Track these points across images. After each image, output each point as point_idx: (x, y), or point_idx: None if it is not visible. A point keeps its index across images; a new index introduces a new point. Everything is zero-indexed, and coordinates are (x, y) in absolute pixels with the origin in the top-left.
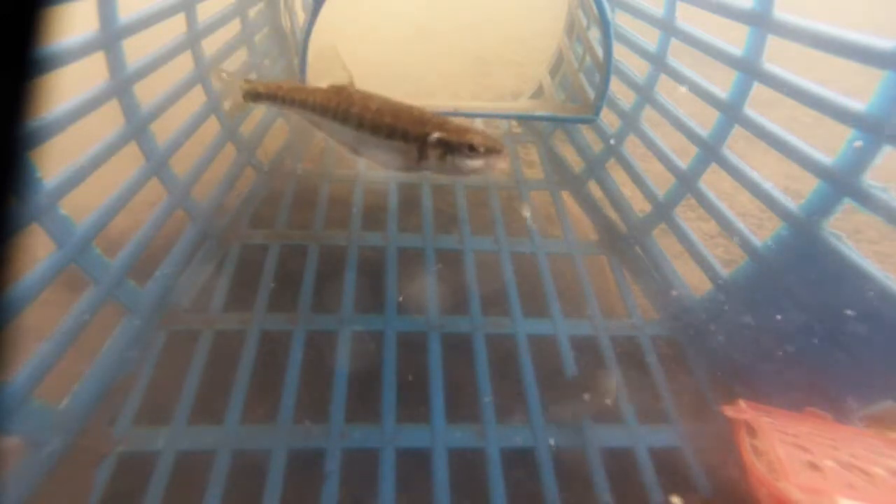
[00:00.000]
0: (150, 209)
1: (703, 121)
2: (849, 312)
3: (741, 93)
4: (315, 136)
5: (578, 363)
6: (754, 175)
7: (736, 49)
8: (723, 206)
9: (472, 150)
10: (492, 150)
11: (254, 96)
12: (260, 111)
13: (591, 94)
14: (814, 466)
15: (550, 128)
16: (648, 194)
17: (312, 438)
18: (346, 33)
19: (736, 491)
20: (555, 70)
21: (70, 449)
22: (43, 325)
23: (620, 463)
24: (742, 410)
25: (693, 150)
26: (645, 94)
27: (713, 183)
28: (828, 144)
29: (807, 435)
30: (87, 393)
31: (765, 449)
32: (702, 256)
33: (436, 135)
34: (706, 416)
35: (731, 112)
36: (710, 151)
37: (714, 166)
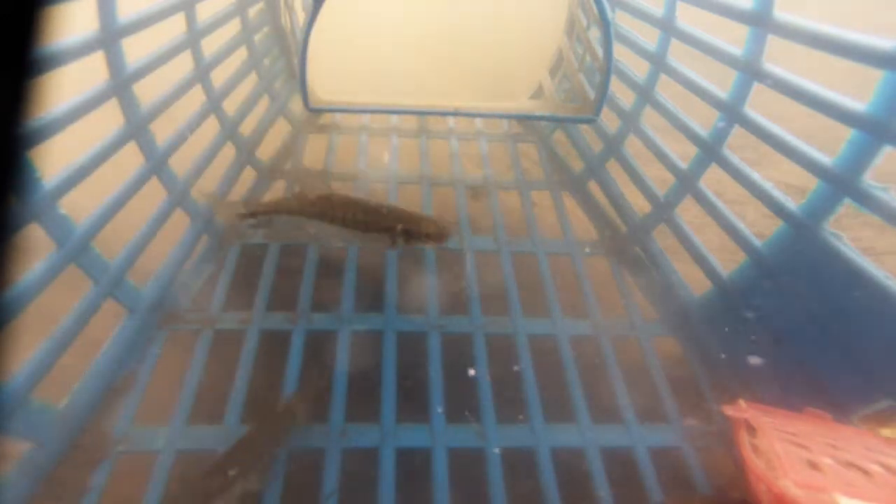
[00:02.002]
0: (149, 209)
1: (703, 121)
2: (848, 312)
3: (741, 93)
4: (315, 136)
5: (580, 366)
6: (754, 175)
7: (736, 49)
8: (722, 206)
9: (427, 236)
10: (442, 235)
11: (250, 215)
12: (260, 111)
13: (591, 94)
14: (812, 464)
15: (550, 128)
16: (648, 194)
17: (312, 438)
18: (345, 34)
19: (736, 490)
20: (555, 70)
21: (70, 449)
22: (43, 324)
23: (620, 463)
24: (742, 410)
25: (693, 149)
26: (645, 94)
27: (718, 192)
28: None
29: (806, 434)
30: (86, 392)
31: (764, 447)
32: (702, 256)
33: (400, 226)
34: (706, 416)
35: (731, 112)
36: (709, 151)
37: (714, 167)
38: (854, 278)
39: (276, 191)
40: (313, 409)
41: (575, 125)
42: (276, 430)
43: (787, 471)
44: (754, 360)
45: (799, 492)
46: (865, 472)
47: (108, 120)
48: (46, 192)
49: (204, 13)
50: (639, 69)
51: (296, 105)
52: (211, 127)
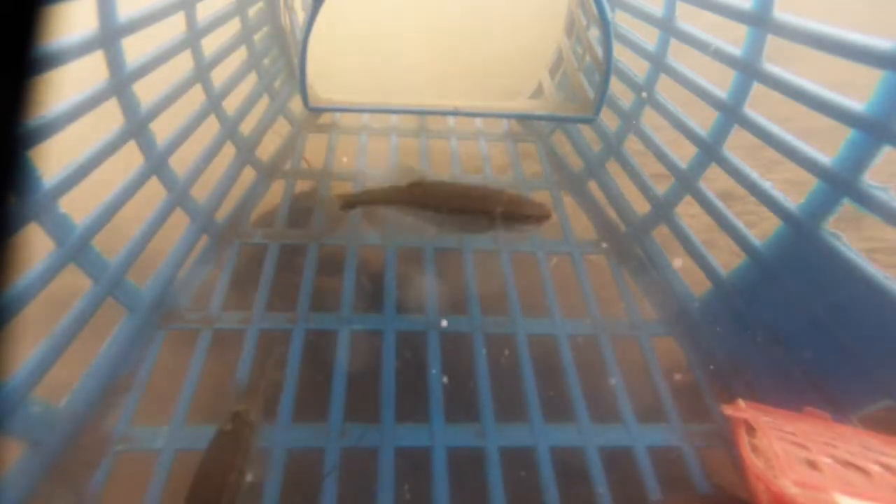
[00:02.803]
0: (149, 208)
1: (703, 121)
2: (848, 312)
3: (741, 93)
4: (315, 136)
5: (580, 366)
6: (754, 175)
7: (736, 49)
8: (722, 206)
9: (526, 217)
10: (543, 216)
11: (351, 206)
12: (259, 110)
13: (591, 93)
14: (811, 464)
15: (550, 127)
16: (648, 194)
17: (312, 437)
18: (345, 34)
19: (735, 490)
20: (554, 70)
21: (70, 449)
22: (42, 324)
23: (620, 462)
24: (741, 410)
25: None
26: (645, 93)
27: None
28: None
29: (805, 433)
30: (86, 392)
31: (763, 447)
32: (702, 256)
33: (500, 209)
34: (706, 416)
35: (731, 112)
36: (709, 151)
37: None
38: (854, 278)
39: (276, 190)
40: (266, 405)
41: (575, 125)
42: (232, 450)
43: (786, 470)
44: (754, 360)
45: (797, 491)
46: (864, 472)
47: (109, 120)
48: (46, 191)
49: (204, 13)
50: (639, 69)
51: (296, 105)
52: (211, 127)
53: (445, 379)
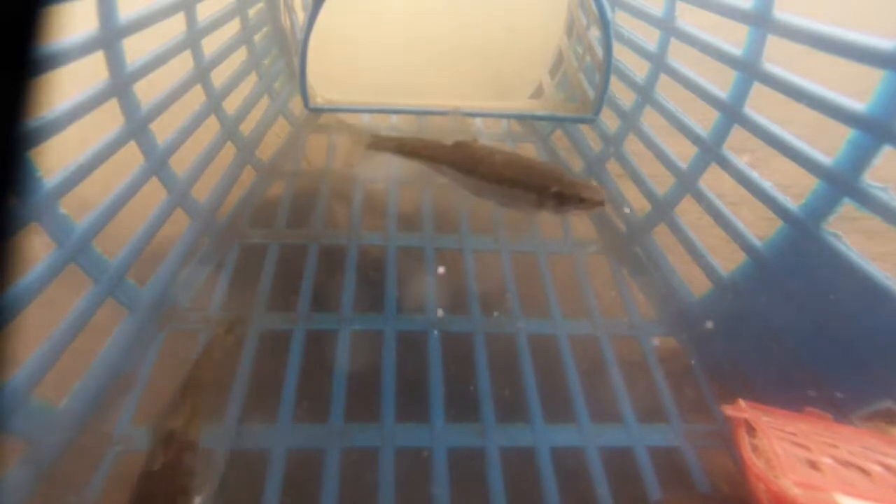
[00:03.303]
0: (149, 208)
1: (703, 121)
2: (848, 312)
3: (741, 93)
4: (315, 136)
5: (580, 366)
6: (754, 175)
7: (736, 49)
8: (722, 206)
9: (581, 200)
10: (598, 202)
11: (376, 148)
12: (260, 111)
13: (591, 93)
14: (812, 464)
15: (550, 127)
16: (648, 194)
17: (312, 438)
18: (344, 34)
19: (735, 489)
20: (554, 70)
21: (70, 449)
22: (42, 324)
23: (620, 462)
24: (742, 409)
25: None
26: (645, 94)
27: (727, 188)
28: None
29: (805, 433)
30: (86, 392)
31: (764, 447)
32: (702, 256)
33: (555, 188)
34: (706, 416)
35: (731, 112)
36: (710, 151)
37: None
38: (854, 278)
39: (276, 190)
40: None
41: (575, 125)
42: (169, 484)
43: (786, 470)
44: (754, 360)
45: (798, 491)
46: (865, 472)
47: (110, 120)
48: (46, 191)
49: (204, 13)
50: (639, 69)
51: (296, 105)
52: (211, 127)
53: (446, 379)
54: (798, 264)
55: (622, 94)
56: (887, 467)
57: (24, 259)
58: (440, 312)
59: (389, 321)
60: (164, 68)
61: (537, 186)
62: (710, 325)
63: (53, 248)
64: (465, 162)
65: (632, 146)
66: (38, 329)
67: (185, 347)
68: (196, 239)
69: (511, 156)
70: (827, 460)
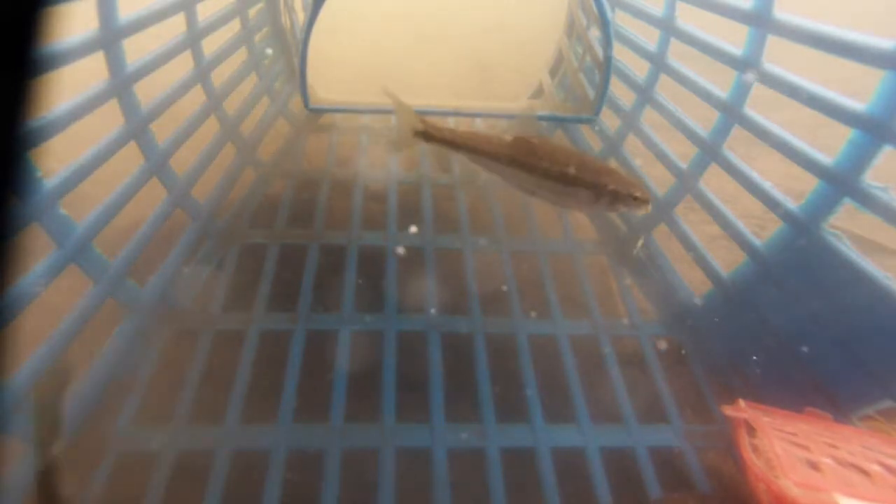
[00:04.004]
0: (149, 208)
1: (703, 121)
2: (848, 312)
3: (741, 93)
4: (315, 136)
5: (580, 366)
6: (754, 175)
7: (736, 49)
8: (723, 206)
9: (633, 199)
10: (648, 201)
11: (426, 137)
12: (260, 111)
13: (591, 93)
14: (812, 464)
15: (550, 128)
16: None
17: (312, 438)
18: (345, 35)
19: (735, 490)
20: (555, 70)
21: (69, 449)
22: (42, 324)
23: (620, 463)
24: (742, 410)
25: (693, 149)
26: (645, 94)
27: (718, 186)
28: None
29: (806, 434)
30: (86, 392)
31: (764, 447)
32: (702, 256)
33: (611, 186)
34: (706, 416)
35: (731, 112)
36: (709, 151)
37: (714, 167)
38: (854, 278)
39: (276, 190)
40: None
41: (575, 125)
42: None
43: (787, 470)
44: (754, 360)
45: (798, 491)
46: (865, 472)
47: (111, 120)
48: (47, 191)
49: (204, 13)
50: (639, 69)
51: (296, 105)
52: (211, 127)
53: (446, 379)
54: (798, 264)
55: (622, 94)
56: (887, 467)
57: (25, 260)
58: (432, 311)
59: (389, 321)
60: (164, 68)
61: (595, 184)
62: (710, 325)
63: (53, 248)
64: (526, 159)
65: (632, 146)
66: (37, 329)
67: (186, 347)
68: (196, 239)
69: (567, 151)
70: (827, 460)
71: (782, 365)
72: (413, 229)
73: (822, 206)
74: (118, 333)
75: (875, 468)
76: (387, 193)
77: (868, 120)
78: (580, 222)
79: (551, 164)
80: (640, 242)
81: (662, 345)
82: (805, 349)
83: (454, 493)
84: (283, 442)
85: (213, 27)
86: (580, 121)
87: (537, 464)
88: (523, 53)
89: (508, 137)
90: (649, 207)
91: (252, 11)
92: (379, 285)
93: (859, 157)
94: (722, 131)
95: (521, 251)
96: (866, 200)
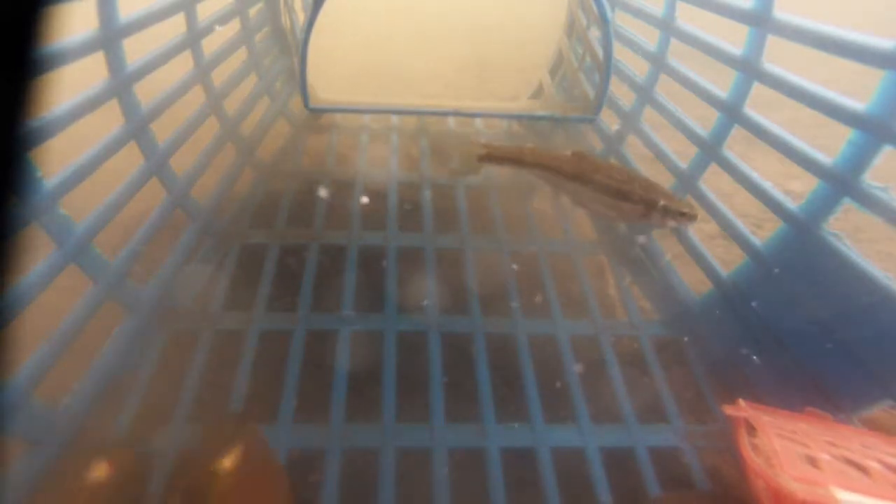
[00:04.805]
0: (150, 208)
1: (703, 121)
2: (848, 312)
3: (741, 93)
4: (315, 136)
5: (580, 366)
6: (754, 175)
7: (736, 49)
8: (722, 206)
9: (681, 215)
10: (693, 217)
11: (490, 159)
12: (260, 111)
13: (591, 93)
14: (811, 460)
15: (550, 128)
16: None
17: (312, 438)
18: (345, 35)
19: (735, 489)
20: (555, 70)
21: (69, 449)
22: (43, 324)
23: (620, 463)
24: (742, 409)
25: (693, 150)
26: (645, 94)
27: (713, 185)
28: (827, 144)
29: (805, 432)
30: (86, 392)
31: (764, 446)
32: (702, 256)
33: (663, 202)
34: (706, 416)
35: (731, 112)
36: (710, 151)
37: (714, 167)
38: (854, 278)
39: (276, 190)
40: None
41: (575, 125)
42: None
43: (785, 466)
44: (754, 360)
45: (796, 486)
46: (864, 470)
47: (112, 121)
48: (47, 191)
49: (204, 13)
50: (639, 69)
51: (296, 105)
52: (211, 127)
53: (446, 379)
54: (798, 264)
55: (622, 94)
56: (886, 465)
57: (25, 260)
58: (432, 311)
59: (389, 321)
60: (163, 68)
61: (646, 199)
62: (709, 325)
63: (53, 248)
64: (582, 173)
65: (632, 146)
66: (37, 329)
67: (186, 347)
68: (196, 239)
69: (620, 168)
70: (825, 457)
71: (782, 365)
72: (413, 231)
73: (822, 206)
74: (118, 333)
75: (874, 465)
76: (387, 193)
77: (868, 120)
78: (580, 222)
79: (605, 178)
80: (640, 240)
81: (662, 345)
82: (805, 349)
83: (454, 493)
84: (283, 442)
85: (213, 27)
86: (580, 121)
87: (537, 464)
88: (523, 53)
89: (567, 153)
90: (695, 221)
91: (252, 11)
92: (379, 285)
93: (859, 157)
94: (722, 131)
95: (521, 251)
96: (866, 200)
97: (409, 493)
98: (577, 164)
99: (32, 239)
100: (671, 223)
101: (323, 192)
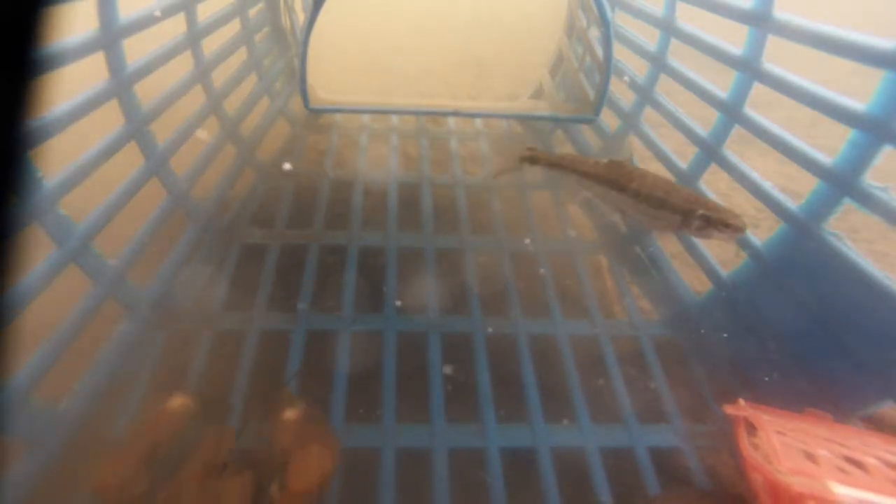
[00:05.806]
0: (150, 208)
1: (703, 121)
2: (848, 312)
3: (741, 93)
4: (315, 136)
5: (580, 366)
6: (754, 175)
7: (736, 49)
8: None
9: (725, 226)
10: (739, 229)
11: (532, 161)
12: (260, 111)
13: (591, 93)
14: (809, 456)
15: (550, 128)
16: None
17: None
18: (345, 35)
19: (734, 488)
20: (555, 70)
21: (69, 449)
22: (43, 324)
23: (620, 462)
24: (742, 408)
25: (693, 149)
26: (645, 94)
27: (710, 184)
28: (826, 143)
29: (803, 430)
30: (86, 392)
31: (763, 444)
32: (702, 256)
33: (701, 211)
34: (706, 415)
35: (731, 112)
36: (710, 151)
37: (714, 166)
38: (854, 278)
39: (276, 190)
40: None
41: (575, 125)
42: None
43: (783, 460)
44: (754, 360)
45: (793, 479)
46: (862, 466)
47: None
48: (47, 191)
49: (204, 13)
50: (639, 69)
51: (296, 105)
52: (211, 127)
53: (445, 379)
54: (798, 264)
55: (622, 94)
56: (884, 461)
57: (26, 260)
58: (432, 311)
59: (389, 321)
60: (164, 68)
61: (682, 209)
62: (709, 325)
63: (53, 248)
64: (618, 180)
65: (632, 146)
66: (38, 329)
67: (186, 347)
68: (196, 239)
69: (658, 177)
70: (824, 453)
71: (782, 365)
72: (413, 231)
73: (822, 206)
74: (118, 333)
75: (872, 461)
76: (387, 193)
77: (868, 120)
78: (580, 222)
79: (641, 186)
80: (649, 250)
81: (662, 345)
82: (805, 349)
83: (454, 493)
84: None
85: (213, 27)
86: (580, 121)
87: (537, 464)
88: (522, 49)
89: (605, 160)
90: (742, 234)
91: (252, 11)
92: (379, 285)
93: (859, 157)
94: (722, 131)
95: (521, 251)
96: (866, 200)
97: (410, 493)
98: (609, 170)
99: (32, 239)
100: (716, 234)
101: (323, 192)
